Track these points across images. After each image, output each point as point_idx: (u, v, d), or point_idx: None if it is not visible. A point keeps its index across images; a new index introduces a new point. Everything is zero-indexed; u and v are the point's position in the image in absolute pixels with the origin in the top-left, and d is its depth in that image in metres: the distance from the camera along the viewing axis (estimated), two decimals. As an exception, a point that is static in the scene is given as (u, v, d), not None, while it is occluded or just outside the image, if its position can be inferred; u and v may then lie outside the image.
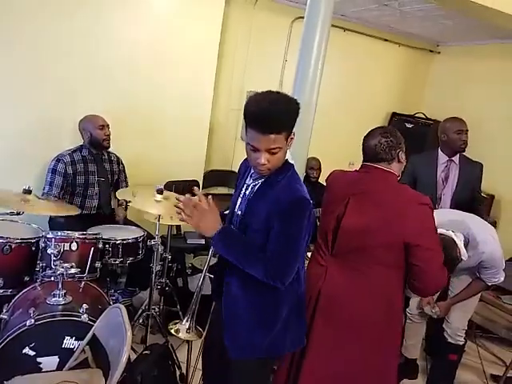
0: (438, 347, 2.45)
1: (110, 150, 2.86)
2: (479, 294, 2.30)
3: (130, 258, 2.37)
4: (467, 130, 2.58)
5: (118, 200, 2.91)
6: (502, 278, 2.12)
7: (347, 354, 1.65)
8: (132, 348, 2.23)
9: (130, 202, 2.81)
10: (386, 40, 4.18)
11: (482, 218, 2.24)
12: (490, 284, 2.18)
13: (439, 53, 4.46)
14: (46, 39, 2.76)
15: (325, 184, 1.89)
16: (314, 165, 3.43)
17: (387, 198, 1.58)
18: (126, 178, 2.99)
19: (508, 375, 2.60)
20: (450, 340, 2.31)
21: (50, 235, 2.04)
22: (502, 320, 2.79)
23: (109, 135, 2.71)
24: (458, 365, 2.39)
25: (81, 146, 2.74)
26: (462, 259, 1.96)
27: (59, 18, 2.77)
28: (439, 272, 1.58)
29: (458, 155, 2.66)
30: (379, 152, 1.59)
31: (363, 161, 1.69)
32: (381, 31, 4.10)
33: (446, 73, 4.37)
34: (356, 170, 1.73)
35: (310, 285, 1.69)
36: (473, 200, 2.62)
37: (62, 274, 1.83)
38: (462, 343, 2.32)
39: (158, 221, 2.31)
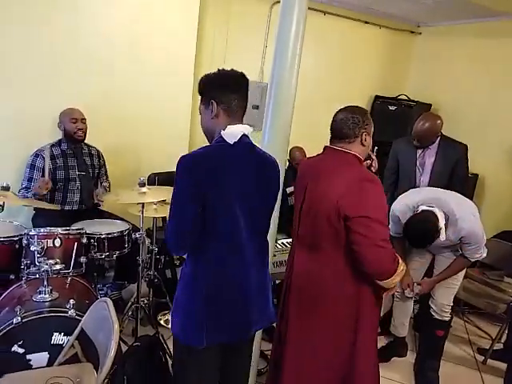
0: (425, 324, 2.50)
1: (90, 143, 2.81)
2: (463, 271, 2.33)
3: (117, 252, 2.36)
4: (419, 140, 2.59)
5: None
6: (485, 254, 2.15)
7: (319, 340, 1.65)
8: (123, 340, 2.24)
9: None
10: (366, 22, 4.15)
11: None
12: (472, 260, 2.21)
13: (420, 33, 4.46)
14: (17, 31, 2.66)
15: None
16: (298, 159, 3.24)
17: (334, 176, 1.56)
18: (106, 171, 2.92)
19: (494, 348, 2.68)
20: (436, 316, 2.34)
21: (32, 232, 2.01)
22: (487, 296, 2.86)
23: (82, 129, 2.64)
24: (446, 340, 2.44)
25: (59, 140, 2.68)
26: (438, 236, 2.00)
27: (31, 10, 2.67)
28: (377, 250, 1.46)
29: (438, 138, 2.66)
30: (343, 127, 1.58)
31: (330, 139, 1.67)
32: (361, 13, 4.07)
33: (428, 54, 4.36)
34: (318, 154, 1.73)
35: (288, 271, 1.75)
36: (452, 184, 2.57)
37: (47, 271, 1.82)
38: (447, 319, 2.36)
39: (142, 210, 2.29)
